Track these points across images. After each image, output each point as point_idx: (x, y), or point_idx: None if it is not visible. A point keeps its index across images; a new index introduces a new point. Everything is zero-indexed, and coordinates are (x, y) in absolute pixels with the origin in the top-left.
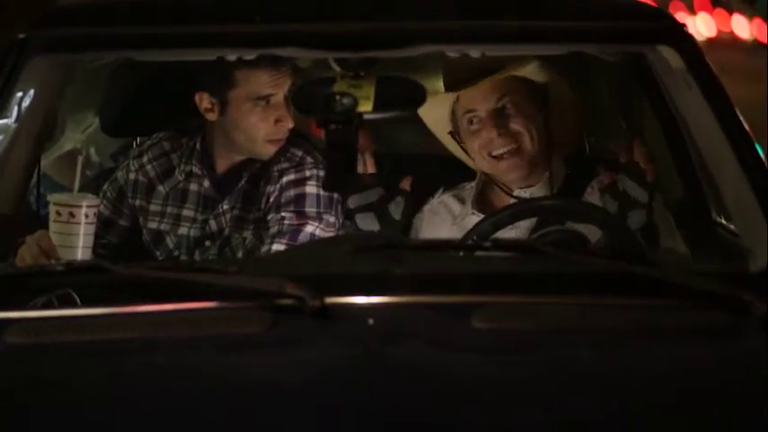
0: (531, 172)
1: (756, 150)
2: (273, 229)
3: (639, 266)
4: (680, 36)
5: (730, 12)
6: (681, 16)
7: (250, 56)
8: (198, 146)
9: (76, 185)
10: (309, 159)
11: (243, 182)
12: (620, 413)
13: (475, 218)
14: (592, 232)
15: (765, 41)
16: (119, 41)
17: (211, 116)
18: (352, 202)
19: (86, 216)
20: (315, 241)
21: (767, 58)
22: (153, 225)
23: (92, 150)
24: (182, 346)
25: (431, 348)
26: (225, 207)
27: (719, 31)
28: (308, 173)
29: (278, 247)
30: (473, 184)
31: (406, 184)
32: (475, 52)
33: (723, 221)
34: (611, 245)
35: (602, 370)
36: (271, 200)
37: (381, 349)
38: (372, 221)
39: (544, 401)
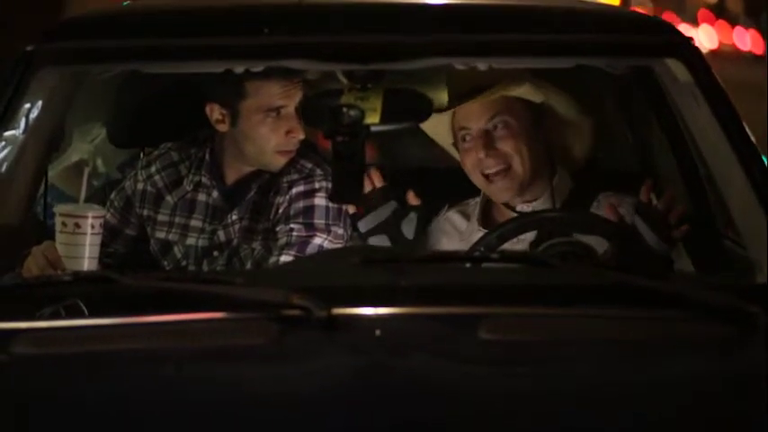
0: (525, 190)
1: (763, 163)
2: (282, 241)
3: (645, 279)
4: (687, 49)
5: (733, 24)
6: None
7: (257, 68)
8: (207, 156)
9: (83, 196)
10: (319, 171)
11: (252, 193)
12: (625, 426)
13: (481, 234)
14: (598, 244)
15: (761, 53)
16: (126, 54)
17: (222, 127)
18: (363, 225)
19: (92, 227)
20: (322, 253)
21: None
22: (161, 235)
23: (99, 161)
24: (188, 356)
25: (437, 359)
26: (234, 218)
27: (721, 43)
28: (317, 185)
29: (286, 258)
30: (477, 200)
31: (412, 198)
32: (482, 65)
33: (730, 233)
34: (617, 257)
35: (607, 382)
36: (280, 211)
37: (388, 360)
38: (385, 243)
39: (550, 413)
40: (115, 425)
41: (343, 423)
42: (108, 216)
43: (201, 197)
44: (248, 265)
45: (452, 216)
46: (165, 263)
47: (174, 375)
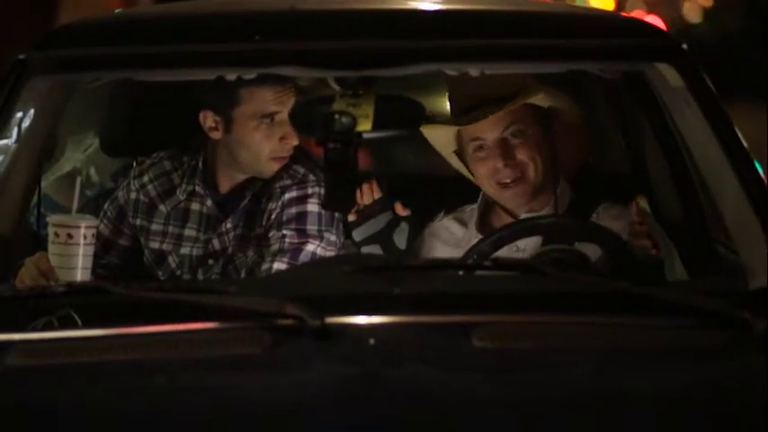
0: (536, 198)
1: (756, 168)
2: (274, 247)
3: (639, 286)
4: (679, 54)
5: None
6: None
7: (249, 75)
8: (200, 165)
9: (75, 206)
10: (312, 177)
11: (246, 201)
12: None
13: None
14: (592, 251)
15: None
16: (118, 61)
17: (216, 134)
18: (358, 234)
19: (85, 237)
20: (315, 261)
21: None
22: (155, 245)
23: (92, 170)
24: (182, 367)
25: (432, 368)
26: (228, 226)
27: None
28: (310, 190)
29: (279, 265)
30: (474, 206)
31: (400, 209)
32: (474, 70)
33: (722, 239)
34: (611, 264)
35: (602, 389)
36: (272, 216)
37: (382, 369)
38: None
39: (545, 421)
40: None
41: None
42: (101, 226)
43: (195, 206)
44: (243, 274)
45: (448, 223)
46: (160, 273)
47: (167, 386)
